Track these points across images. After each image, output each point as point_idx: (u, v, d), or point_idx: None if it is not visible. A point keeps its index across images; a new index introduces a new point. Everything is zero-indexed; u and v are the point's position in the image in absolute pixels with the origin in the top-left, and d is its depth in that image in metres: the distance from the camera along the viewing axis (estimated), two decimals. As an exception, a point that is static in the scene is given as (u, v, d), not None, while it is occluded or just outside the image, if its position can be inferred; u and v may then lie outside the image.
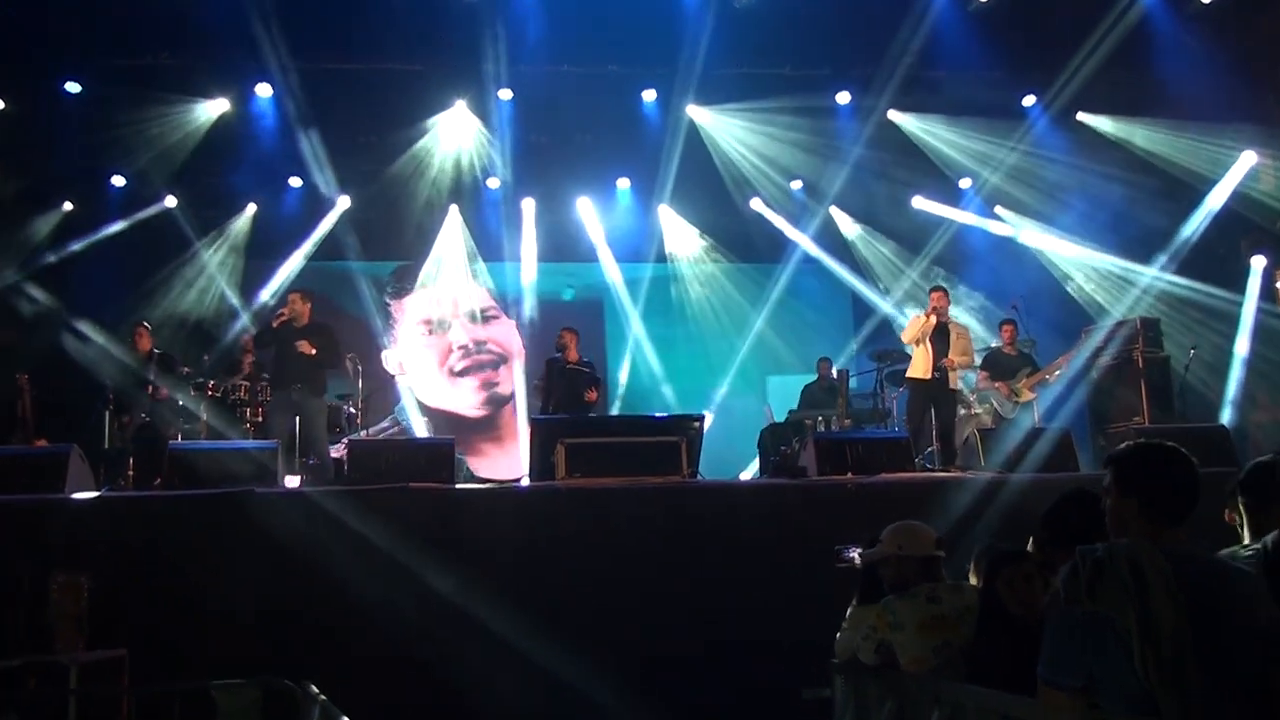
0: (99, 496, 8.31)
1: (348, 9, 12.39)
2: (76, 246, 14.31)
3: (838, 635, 5.11)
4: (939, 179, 15.27)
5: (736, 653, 7.58)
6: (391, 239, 16.07)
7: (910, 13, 12.54)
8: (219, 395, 11.61)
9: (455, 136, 14.76)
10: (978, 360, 12.69)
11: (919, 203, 15.94)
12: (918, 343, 11.08)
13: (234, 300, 15.36)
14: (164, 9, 11.94)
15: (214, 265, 15.31)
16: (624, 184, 16.21)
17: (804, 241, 16.12)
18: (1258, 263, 13.04)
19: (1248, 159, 13.05)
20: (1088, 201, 14.12)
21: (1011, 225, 15.34)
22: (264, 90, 13.54)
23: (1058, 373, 12.32)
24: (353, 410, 12.54)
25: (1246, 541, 3.91)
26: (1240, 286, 12.91)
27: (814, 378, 13.84)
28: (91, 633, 6.69)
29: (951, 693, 4.10)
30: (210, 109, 13.72)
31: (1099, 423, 11.94)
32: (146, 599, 7.25)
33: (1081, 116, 13.95)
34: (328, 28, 12.51)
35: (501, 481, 12.21)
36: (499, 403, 16.30)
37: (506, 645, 7.25)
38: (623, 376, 16.31)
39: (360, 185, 15.18)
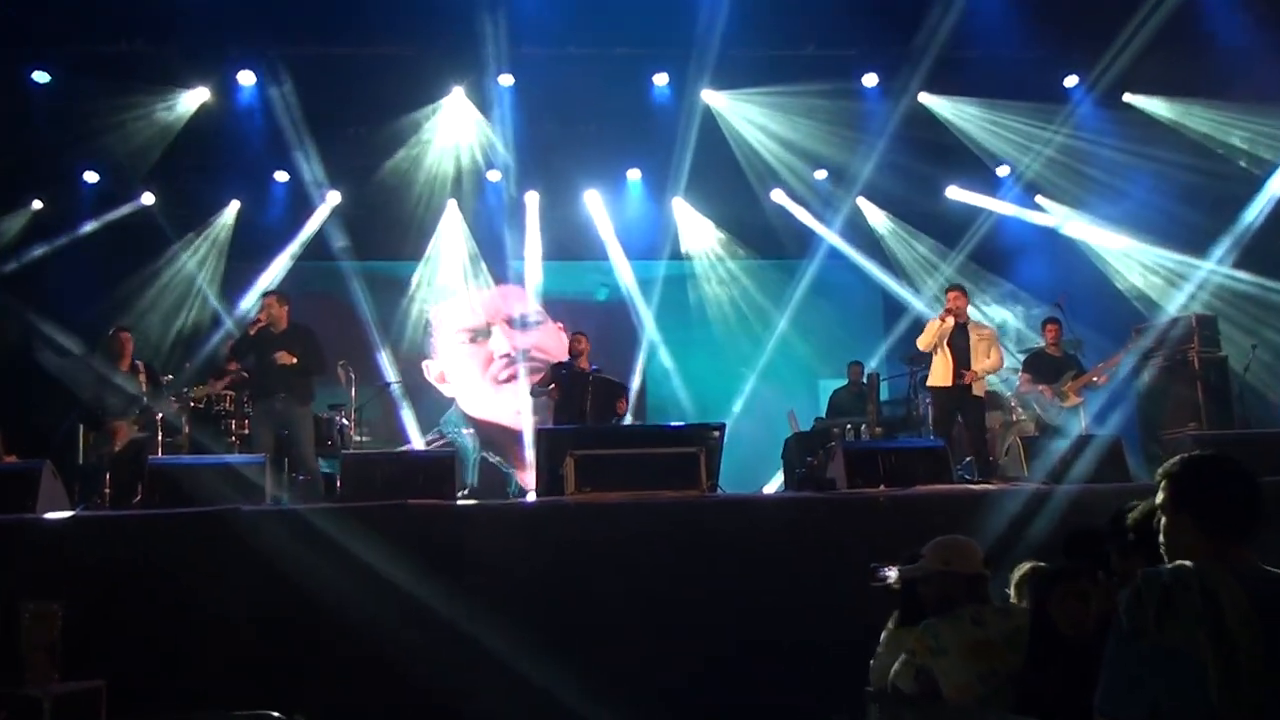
0: (73, 516, 8.31)
1: (336, -11, 12.42)
2: (46, 248, 14.37)
3: (872, 661, 5.08)
4: (975, 167, 15.23)
5: (760, 681, 7.51)
6: (385, 236, 16.11)
7: (942, -13, 12.52)
8: (201, 407, 11.61)
9: (453, 126, 14.75)
10: (1013, 361, 12.64)
11: (953, 192, 15.92)
12: (935, 348, 11.03)
13: (216, 304, 15.40)
14: (139, -9, 12.00)
15: (194, 266, 15.35)
16: (635, 175, 16.20)
17: (829, 235, 16.11)
18: (1324, 254, 12.97)
19: (1314, 142, 12.98)
20: (1137, 189, 14.05)
21: (1054, 216, 15.30)
22: (246, 78, 13.53)
23: (1106, 375, 12.24)
24: (345, 422, 12.53)
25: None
26: (1304, 280, 12.85)
27: (843, 382, 13.81)
28: (66, 663, 6.67)
29: (998, 725, 4.06)
30: (189, 99, 13.70)
31: (1151, 429, 11.89)
32: (125, 627, 7.24)
33: (1129, 98, 13.88)
34: (314, 9, 12.47)
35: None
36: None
37: (512, 671, 7.21)
38: (635, 383, 16.27)
39: (351, 179, 15.23)
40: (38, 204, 14.61)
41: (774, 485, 13.93)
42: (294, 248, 15.53)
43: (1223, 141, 13.35)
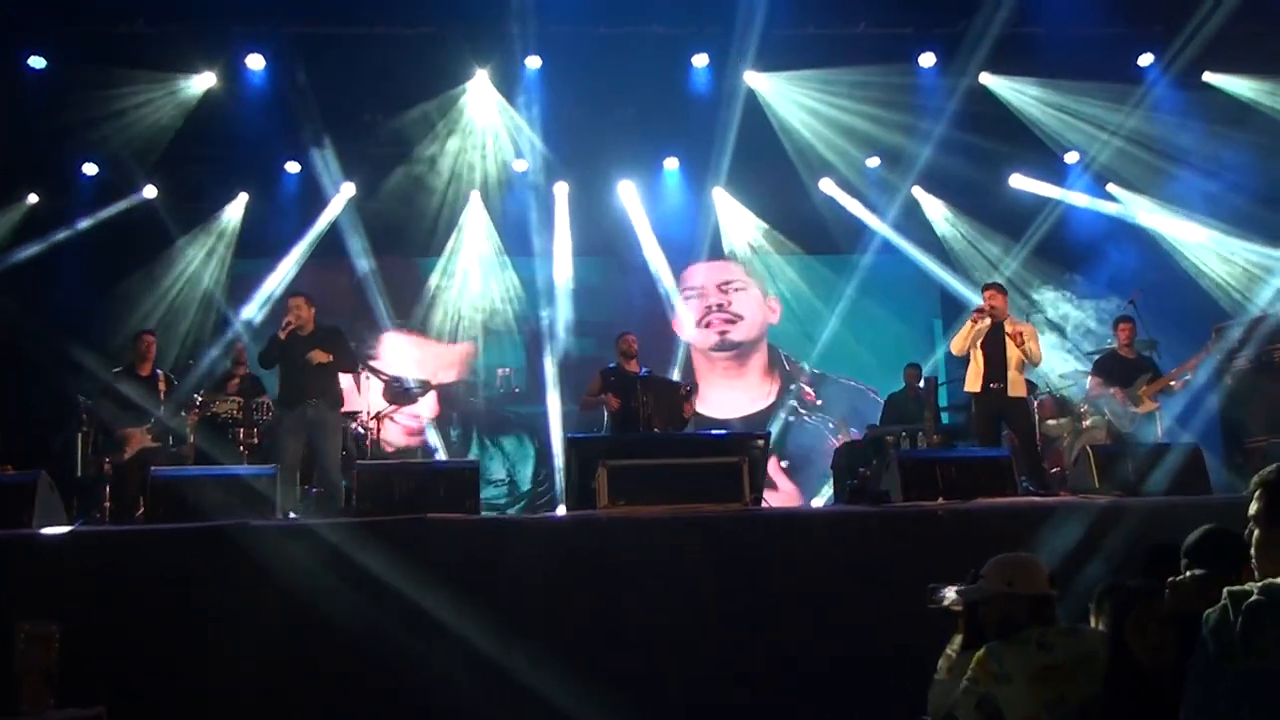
0: (71, 531, 8.36)
1: (350, -35, 12.47)
2: (42, 244, 14.48)
3: (930, 689, 5.06)
4: (1040, 153, 15.17)
5: (808, 709, 7.51)
6: (403, 231, 16.16)
7: (1005, -41, 12.48)
8: (208, 414, 11.66)
9: (476, 112, 14.80)
10: (1080, 364, 12.55)
11: (1017, 181, 15.86)
12: (968, 351, 10.93)
13: (223, 304, 15.47)
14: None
15: (199, 263, 15.44)
16: (672, 164, 16.23)
17: (883, 228, 16.08)
18: None
19: None
20: (1218, 177, 13.97)
21: (1127, 206, 15.20)
22: (256, 62, 13.59)
23: (1185, 378, 12.16)
24: (362, 430, 12.57)
25: None
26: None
27: (898, 387, 13.76)
28: (63, 688, 6.71)
29: (1068, 758, 4.03)
30: (194, 85, 13.77)
31: (1235, 436, 11.78)
32: (126, 649, 7.28)
33: (1209, 77, 13.82)
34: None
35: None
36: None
37: (542, 700, 7.22)
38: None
39: (367, 170, 15.28)
40: (34, 198, 14.74)
41: (823, 499, 13.89)
42: (306, 243, 15.58)
43: (1313, 123, 13.27)
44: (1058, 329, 16.00)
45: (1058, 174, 15.60)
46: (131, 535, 8.47)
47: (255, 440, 11.53)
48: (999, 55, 13.76)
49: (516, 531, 8.92)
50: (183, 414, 11.43)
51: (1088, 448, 10.51)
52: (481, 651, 7.38)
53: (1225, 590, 2.98)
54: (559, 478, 14.14)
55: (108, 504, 10.44)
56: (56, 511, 8.77)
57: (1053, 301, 15.94)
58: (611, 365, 12.16)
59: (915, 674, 5.22)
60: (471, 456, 15.80)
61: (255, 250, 15.76)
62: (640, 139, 15.26)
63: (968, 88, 14.22)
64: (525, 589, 7.82)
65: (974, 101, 14.42)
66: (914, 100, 14.44)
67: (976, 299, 15.51)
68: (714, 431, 12.43)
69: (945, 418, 13.34)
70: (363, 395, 12.80)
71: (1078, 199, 15.56)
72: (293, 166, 15.28)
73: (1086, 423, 12.64)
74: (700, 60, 14.24)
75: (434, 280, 16.56)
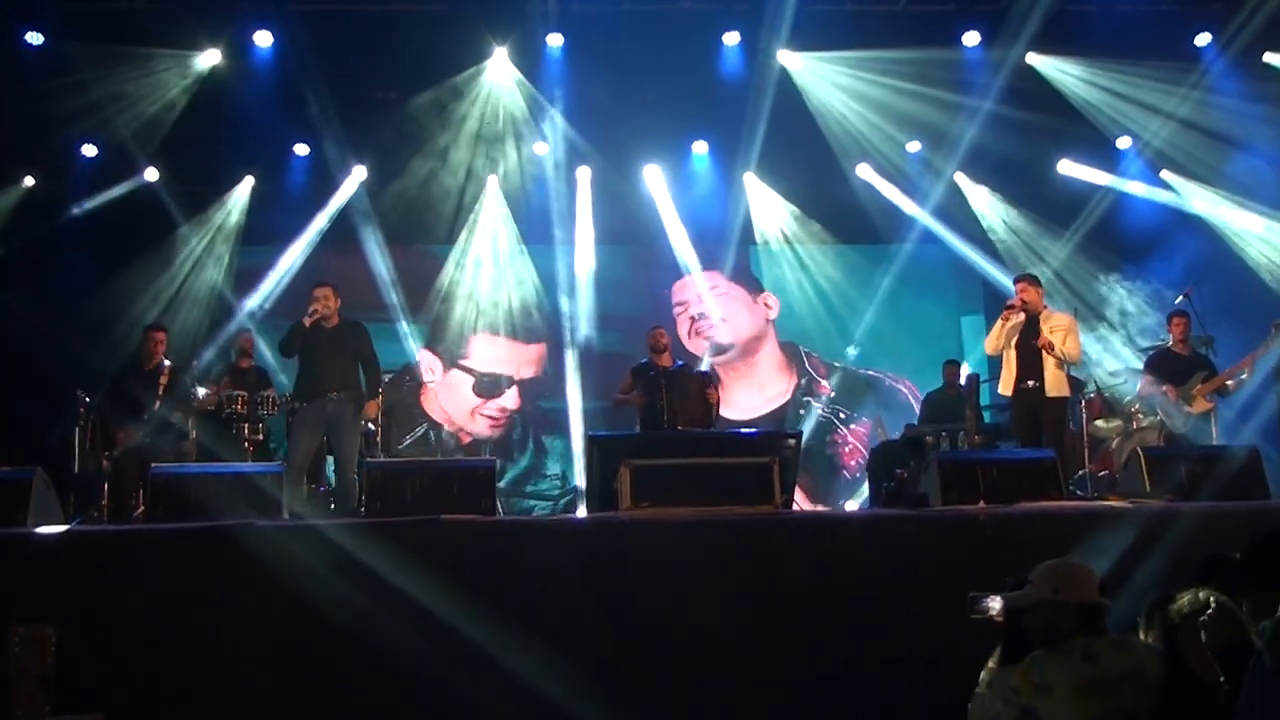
0: (68, 531, 8.38)
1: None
2: (40, 229, 14.53)
3: (970, 701, 5.05)
4: (1091, 137, 15.12)
5: (842, 722, 7.52)
6: (417, 217, 16.17)
7: (1054, -68, 12.44)
8: (212, 409, 11.68)
9: (494, 92, 14.81)
10: (1131, 361, 12.50)
11: (1066, 167, 15.81)
12: (1003, 350, 10.88)
13: (228, 292, 15.51)
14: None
15: (203, 249, 15.48)
16: (701, 148, 16.20)
17: (923, 216, 16.05)
18: None
19: None
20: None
21: (1182, 194, 15.13)
22: (263, 39, 13.63)
23: (1242, 376, 12.10)
24: (372, 427, 12.60)
25: None
26: None
27: (938, 384, 13.73)
28: (59, 694, 6.75)
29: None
30: (199, 62, 13.82)
31: (1296, 439, 11.75)
32: (125, 653, 7.30)
33: (1270, 58, 13.74)
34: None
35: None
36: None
37: (557, 709, 7.22)
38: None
39: (379, 152, 15.30)
40: (30, 180, 14.80)
41: (857, 501, 13.87)
42: (315, 228, 15.61)
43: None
44: (1108, 323, 15.94)
45: (1109, 160, 15.54)
46: (131, 535, 8.50)
47: (260, 436, 11.56)
48: (1047, 34, 13.73)
49: (534, 534, 8.89)
50: (184, 408, 11.47)
51: (1138, 449, 10.45)
52: (496, 660, 7.36)
53: None
54: (578, 478, 14.20)
55: (106, 502, 10.47)
56: (53, 510, 8.79)
57: (1103, 294, 15.88)
58: (644, 361, 12.17)
59: (953, 686, 5.21)
60: (528, 452, 16.05)
61: (262, 236, 15.80)
62: (667, 121, 15.24)
63: (1014, 68, 14.17)
64: (543, 594, 7.81)
65: (1020, 82, 14.37)
66: (957, 81, 14.40)
67: (1021, 292, 15.60)
68: (744, 430, 12.39)
69: (987, 416, 13.31)
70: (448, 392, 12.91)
71: (1131, 187, 15.49)
72: (301, 148, 15.30)
73: (1138, 423, 12.58)
74: (731, 38, 14.22)
75: (448, 266, 16.59)
